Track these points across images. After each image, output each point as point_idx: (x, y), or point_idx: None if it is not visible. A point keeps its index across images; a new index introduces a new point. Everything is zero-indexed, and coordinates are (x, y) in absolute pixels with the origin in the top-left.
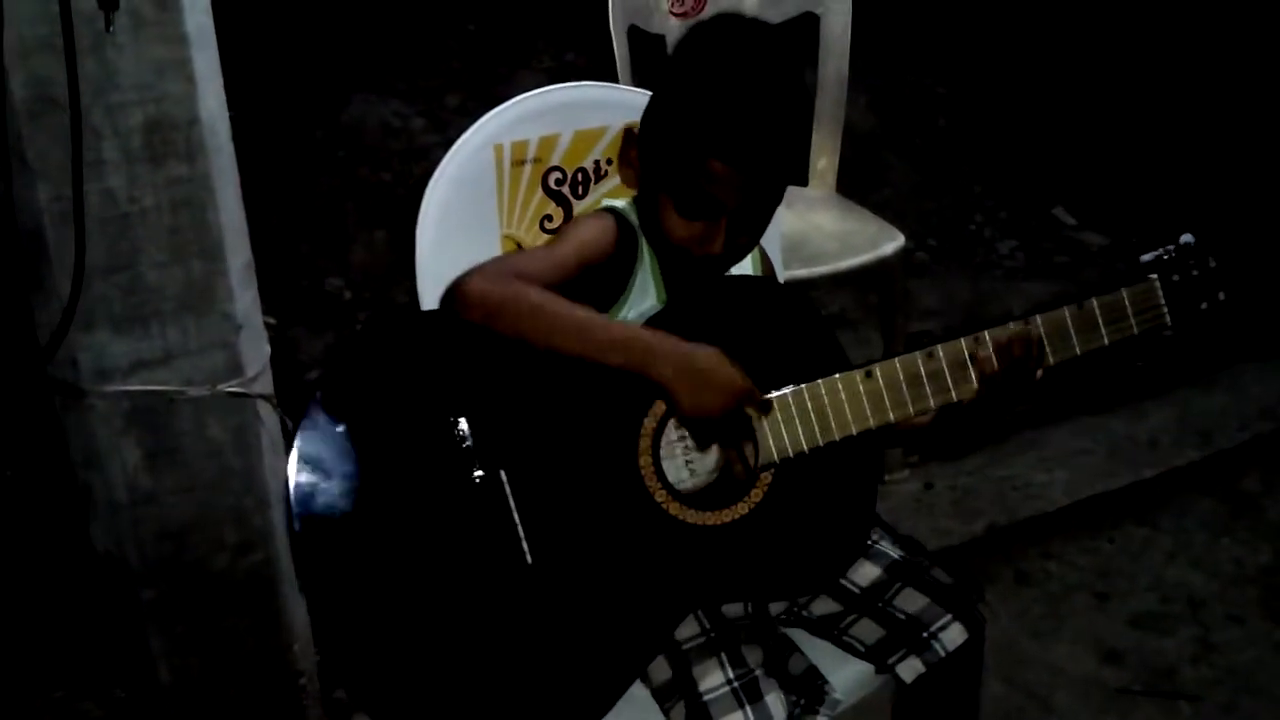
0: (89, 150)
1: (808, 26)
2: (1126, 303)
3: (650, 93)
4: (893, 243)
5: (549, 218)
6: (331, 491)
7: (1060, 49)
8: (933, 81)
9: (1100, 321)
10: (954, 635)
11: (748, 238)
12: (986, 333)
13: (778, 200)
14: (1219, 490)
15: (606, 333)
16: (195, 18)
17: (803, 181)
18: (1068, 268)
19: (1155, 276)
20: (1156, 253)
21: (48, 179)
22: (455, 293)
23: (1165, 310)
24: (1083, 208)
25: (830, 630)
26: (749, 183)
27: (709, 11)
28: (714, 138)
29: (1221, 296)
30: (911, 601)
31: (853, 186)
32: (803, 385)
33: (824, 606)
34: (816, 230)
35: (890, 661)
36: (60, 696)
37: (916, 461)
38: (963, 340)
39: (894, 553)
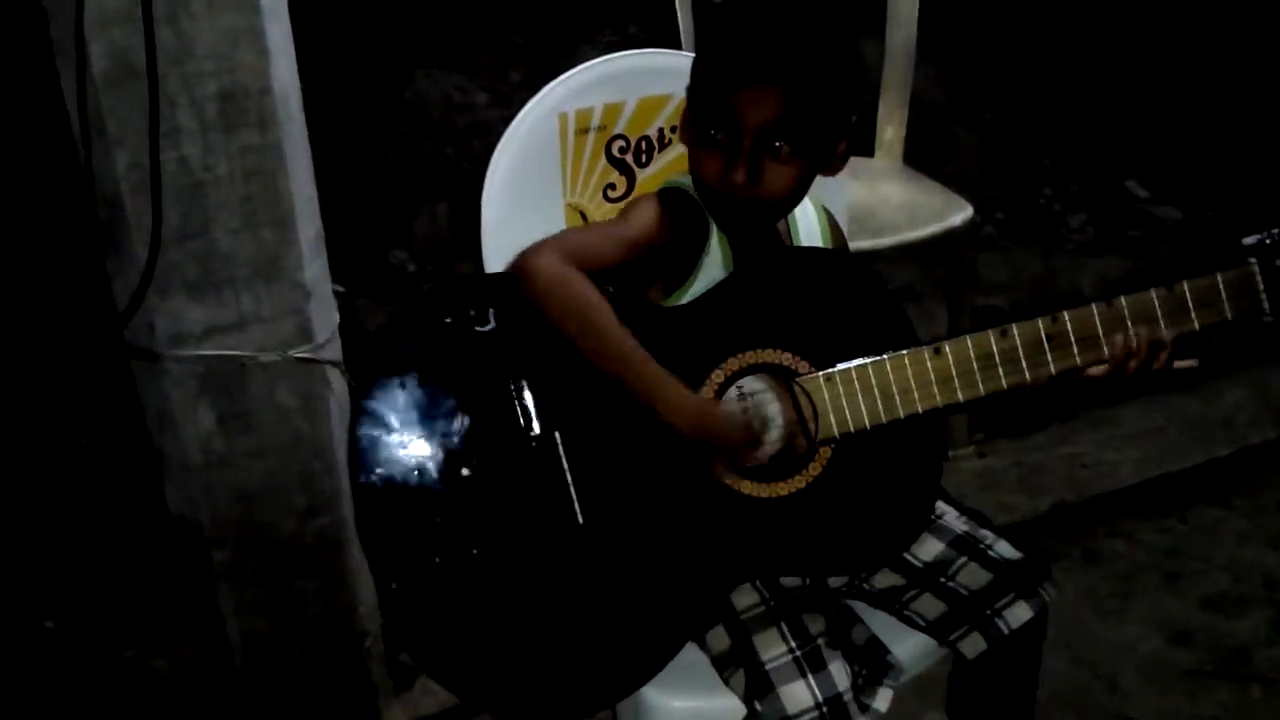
0: (165, 119)
1: None
2: (1221, 287)
3: None
4: (961, 214)
5: (612, 186)
6: (392, 448)
7: (1134, 19)
8: (1003, 52)
9: (1191, 305)
10: (1019, 613)
11: (790, 172)
12: (1065, 313)
13: (822, 132)
14: None
15: (637, 367)
16: None
17: (848, 116)
18: (1140, 242)
19: (1255, 261)
20: (1259, 236)
21: (125, 147)
22: (521, 266)
23: (1264, 296)
24: (1156, 181)
25: (891, 604)
26: (765, 112)
27: None
28: (732, 65)
29: None
30: (975, 578)
31: (920, 158)
32: (868, 360)
33: (885, 580)
34: (883, 202)
35: (952, 637)
36: (132, 655)
37: (983, 438)
38: (1039, 320)
39: (958, 527)
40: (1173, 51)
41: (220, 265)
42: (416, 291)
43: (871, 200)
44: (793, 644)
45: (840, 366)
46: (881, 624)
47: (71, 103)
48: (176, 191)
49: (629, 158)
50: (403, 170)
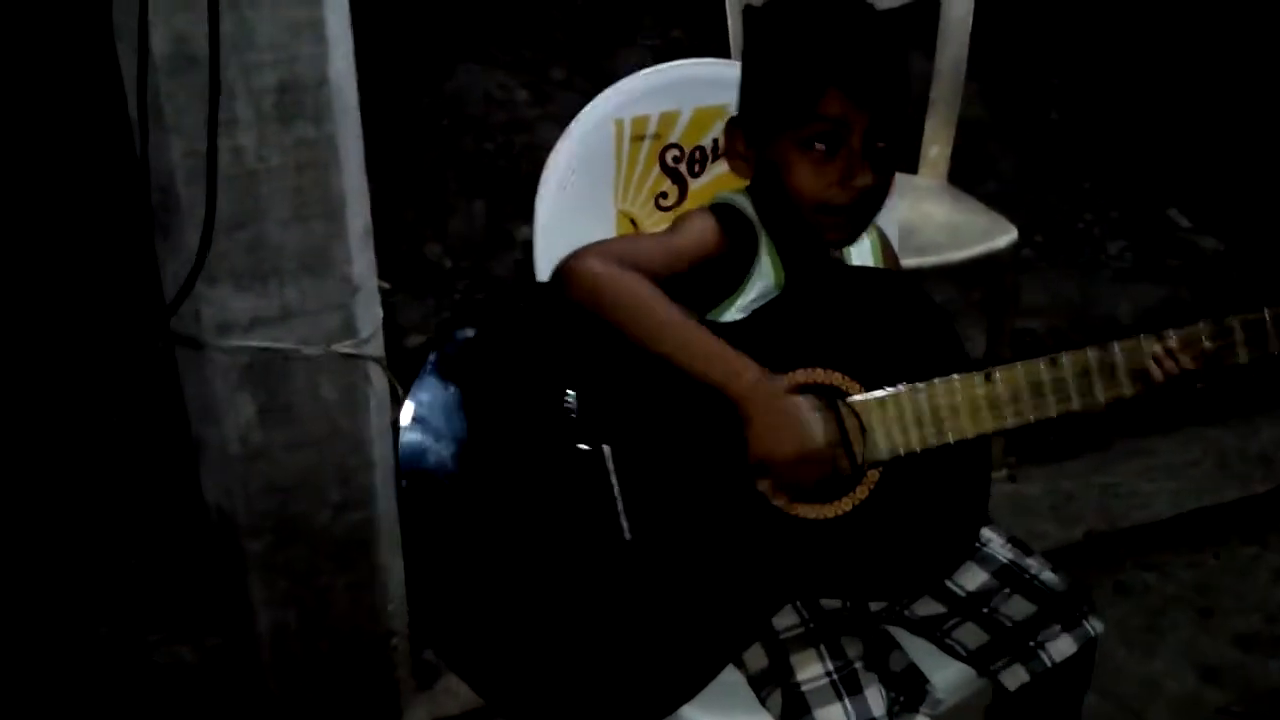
0: (222, 108)
1: (928, 11)
2: (1269, 322)
3: None
4: (1005, 236)
5: (664, 195)
6: (439, 452)
7: (1180, 46)
8: (1047, 72)
9: (1238, 340)
10: (1062, 647)
11: (891, 170)
12: (1115, 344)
13: (899, 141)
14: None
15: (703, 346)
16: None
17: (907, 133)
18: (1180, 271)
19: None
20: None
21: (181, 135)
22: (565, 269)
23: None
24: (1198, 211)
25: (932, 631)
26: (866, 110)
27: None
28: (830, 67)
29: None
30: (1019, 609)
31: (959, 177)
32: (919, 384)
33: (927, 608)
34: (926, 220)
35: (993, 668)
36: (156, 639)
37: (1015, 462)
38: (1089, 350)
39: (1003, 556)
40: (1219, 83)
41: (269, 256)
42: (453, 289)
43: (914, 218)
44: (830, 666)
45: (891, 390)
46: (920, 651)
47: (130, 88)
48: (229, 181)
49: (682, 167)
50: (441, 165)
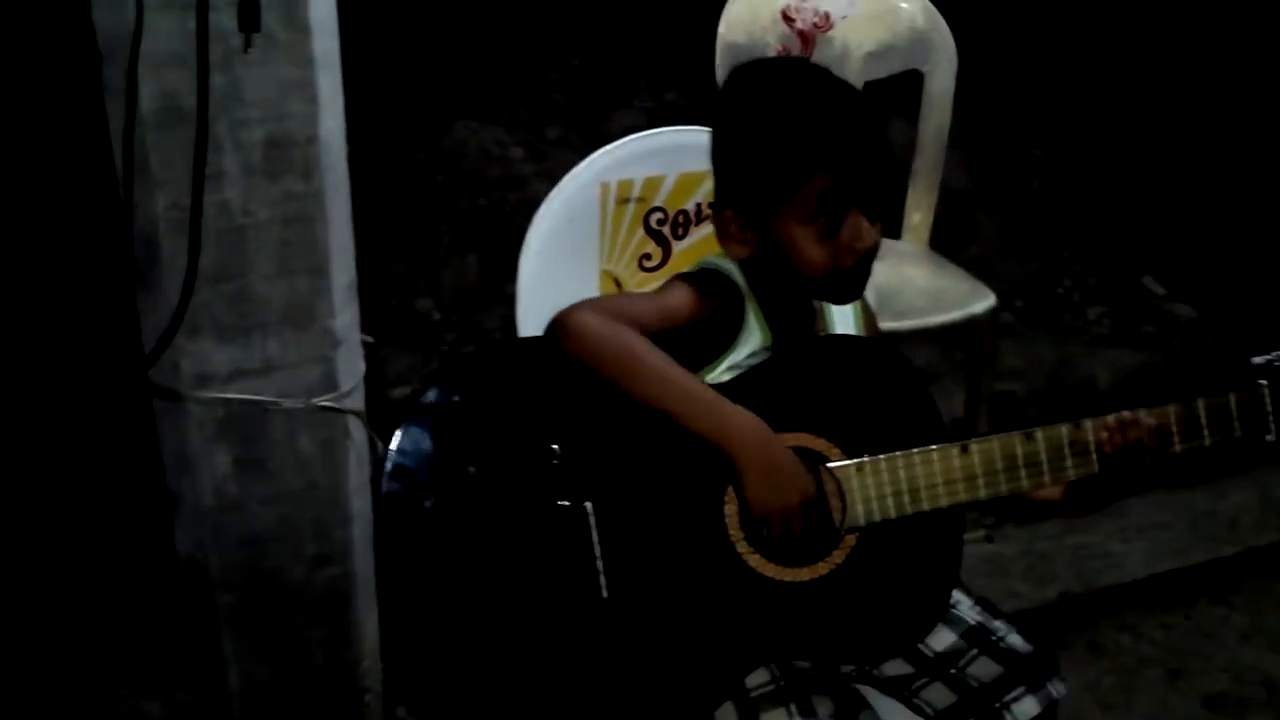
0: (209, 162)
1: (912, 81)
2: (1233, 408)
3: None
4: (983, 302)
5: (648, 256)
6: (419, 505)
7: (1158, 121)
8: (1029, 143)
9: (1204, 423)
10: (1027, 708)
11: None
12: (1087, 422)
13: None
14: None
15: (697, 398)
16: (323, 41)
17: (890, 203)
18: (1155, 338)
19: (1265, 384)
20: (1268, 357)
21: (167, 187)
22: (560, 322)
23: (1271, 418)
24: (1173, 279)
25: (900, 691)
26: (858, 180)
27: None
28: (819, 152)
29: None
30: (985, 670)
31: (941, 243)
32: (897, 453)
33: (895, 668)
34: (908, 284)
35: None
36: (124, 694)
37: (992, 523)
38: (1063, 427)
39: (971, 618)
40: (1195, 157)
41: (252, 309)
42: (442, 341)
43: (896, 282)
44: None
45: (870, 457)
46: (889, 710)
47: (117, 142)
48: (215, 234)
49: (665, 230)
50: (435, 218)
